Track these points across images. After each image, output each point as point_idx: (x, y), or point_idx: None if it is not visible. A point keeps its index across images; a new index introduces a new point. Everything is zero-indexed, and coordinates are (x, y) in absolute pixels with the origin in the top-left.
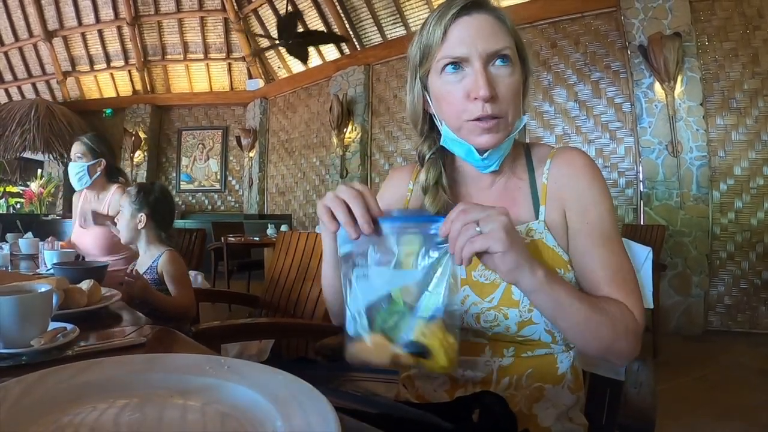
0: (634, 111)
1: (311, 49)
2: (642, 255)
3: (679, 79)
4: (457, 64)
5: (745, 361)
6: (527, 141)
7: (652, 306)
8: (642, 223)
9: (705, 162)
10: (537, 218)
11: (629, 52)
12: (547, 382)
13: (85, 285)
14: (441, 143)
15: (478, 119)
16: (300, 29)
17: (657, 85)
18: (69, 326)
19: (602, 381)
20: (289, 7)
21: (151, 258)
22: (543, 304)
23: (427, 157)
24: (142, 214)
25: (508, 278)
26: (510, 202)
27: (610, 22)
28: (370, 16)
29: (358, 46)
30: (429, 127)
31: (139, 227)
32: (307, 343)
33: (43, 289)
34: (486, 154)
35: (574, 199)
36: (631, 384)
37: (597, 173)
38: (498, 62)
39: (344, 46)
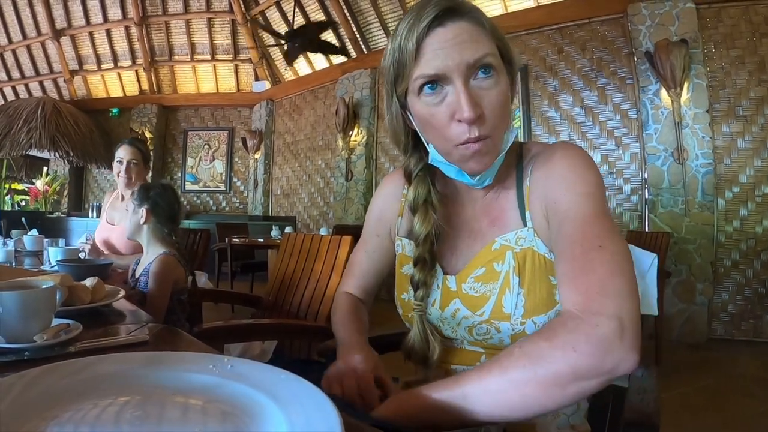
0: (639, 117)
1: (318, 53)
2: (647, 262)
3: (686, 85)
4: (435, 82)
5: (749, 370)
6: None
7: (656, 313)
8: (647, 230)
9: (710, 169)
10: (525, 225)
11: (635, 59)
12: None
13: (89, 282)
14: (429, 161)
15: (465, 142)
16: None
17: (663, 92)
18: (72, 323)
19: (605, 388)
20: (293, 7)
21: (149, 259)
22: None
23: (414, 174)
24: (143, 209)
25: None
26: (498, 210)
27: (617, 28)
28: (377, 19)
29: (365, 50)
30: (414, 144)
31: (141, 222)
32: (310, 345)
33: (46, 285)
34: (478, 176)
35: (549, 193)
36: (634, 391)
37: (575, 164)
38: (480, 74)
39: (351, 49)
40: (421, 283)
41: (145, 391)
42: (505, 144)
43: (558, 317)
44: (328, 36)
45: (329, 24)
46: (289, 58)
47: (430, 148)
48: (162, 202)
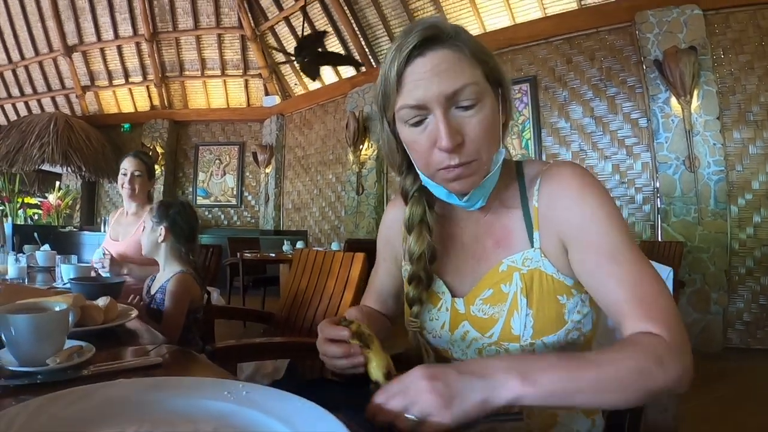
0: (650, 126)
1: (329, 67)
2: (662, 275)
3: (695, 93)
4: (416, 112)
5: (766, 379)
6: (541, 157)
7: None
8: (660, 239)
9: (722, 176)
10: (532, 246)
11: (645, 67)
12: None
13: (101, 302)
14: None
15: (446, 168)
16: (318, 49)
17: (673, 100)
18: (85, 344)
19: None
20: (307, 27)
21: (166, 277)
22: (544, 403)
23: (410, 194)
24: (162, 227)
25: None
26: (502, 231)
27: (625, 37)
28: (385, 33)
29: (374, 63)
30: (408, 164)
31: (159, 240)
32: (323, 363)
33: (59, 308)
34: (466, 197)
35: (568, 219)
36: (655, 409)
37: (589, 184)
38: (461, 103)
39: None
40: (415, 299)
41: (156, 418)
42: (494, 165)
43: (656, 339)
44: (335, 46)
45: (344, 58)
46: (310, 74)
47: (420, 173)
48: (181, 221)
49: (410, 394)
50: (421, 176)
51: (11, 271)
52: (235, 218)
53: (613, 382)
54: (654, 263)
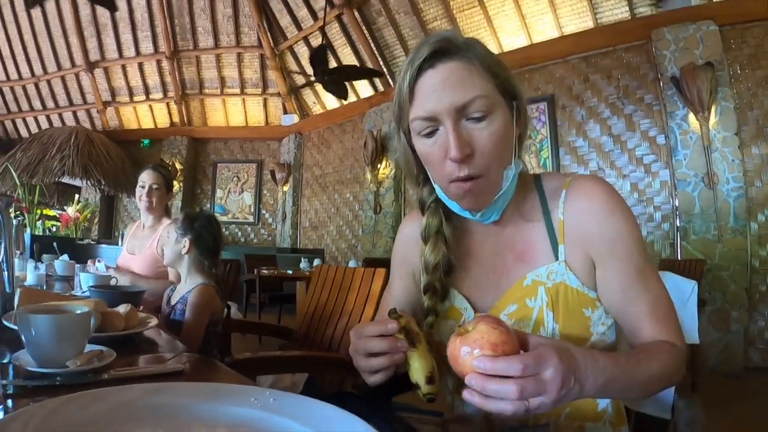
0: (668, 143)
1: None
2: (687, 289)
3: (713, 109)
4: (429, 123)
5: None
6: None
7: (698, 341)
8: (679, 257)
9: (742, 193)
10: (557, 259)
11: (662, 84)
12: (587, 419)
13: (122, 309)
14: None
15: (456, 180)
16: (334, 65)
17: (691, 116)
18: (105, 349)
19: (648, 419)
20: (321, 41)
21: (187, 288)
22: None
23: (427, 204)
24: (186, 239)
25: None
26: (524, 245)
27: (642, 55)
28: (403, 53)
29: (391, 83)
30: (425, 175)
31: (183, 252)
32: (343, 378)
33: (81, 311)
34: (480, 213)
35: (596, 236)
36: (683, 421)
37: (617, 201)
38: (471, 115)
39: (378, 82)
40: (430, 310)
41: (177, 423)
42: (506, 180)
43: (675, 348)
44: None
45: (370, 72)
46: (339, 93)
47: (435, 186)
48: (206, 235)
49: (543, 389)
50: (437, 189)
51: (30, 278)
52: (252, 236)
53: (653, 381)
54: (678, 277)
